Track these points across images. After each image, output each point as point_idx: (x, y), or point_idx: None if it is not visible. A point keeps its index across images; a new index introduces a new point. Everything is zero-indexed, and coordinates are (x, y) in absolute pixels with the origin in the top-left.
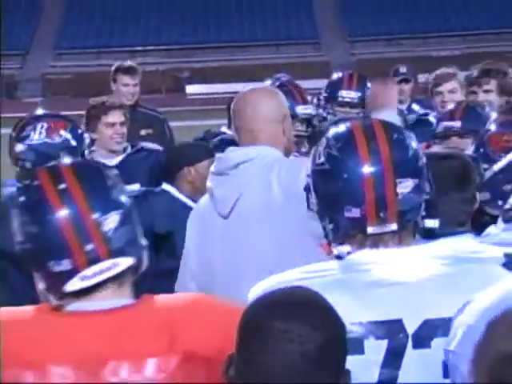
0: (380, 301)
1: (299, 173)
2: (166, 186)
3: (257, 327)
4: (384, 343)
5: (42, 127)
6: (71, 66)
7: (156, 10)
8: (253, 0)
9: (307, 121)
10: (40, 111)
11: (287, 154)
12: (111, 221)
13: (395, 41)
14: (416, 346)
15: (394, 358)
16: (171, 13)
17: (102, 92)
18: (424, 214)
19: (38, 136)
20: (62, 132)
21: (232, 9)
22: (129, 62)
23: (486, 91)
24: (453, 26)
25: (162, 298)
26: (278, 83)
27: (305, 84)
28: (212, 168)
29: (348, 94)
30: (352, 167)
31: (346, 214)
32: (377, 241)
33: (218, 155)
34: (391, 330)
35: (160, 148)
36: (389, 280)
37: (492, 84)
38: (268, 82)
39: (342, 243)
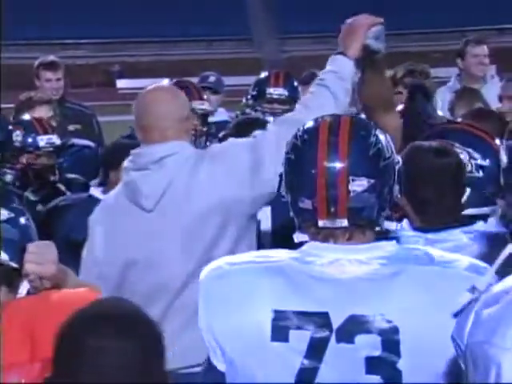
0: (311, 293)
1: (222, 155)
2: (93, 191)
3: (73, 344)
4: (308, 334)
5: None
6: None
7: (87, 2)
8: None
9: (203, 117)
10: None
11: None
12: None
13: (326, 38)
14: (339, 340)
15: (317, 350)
16: (102, 6)
17: (32, 85)
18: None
19: None
20: None
21: (165, 3)
22: (51, 57)
23: None
24: (387, 25)
25: (22, 302)
26: (174, 81)
27: (236, 80)
28: (126, 164)
29: (275, 91)
30: (309, 159)
31: (300, 205)
32: (328, 235)
33: (133, 151)
34: (317, 322)
35: (91, 143)
36: (324, 274)
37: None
38: (166, 81)
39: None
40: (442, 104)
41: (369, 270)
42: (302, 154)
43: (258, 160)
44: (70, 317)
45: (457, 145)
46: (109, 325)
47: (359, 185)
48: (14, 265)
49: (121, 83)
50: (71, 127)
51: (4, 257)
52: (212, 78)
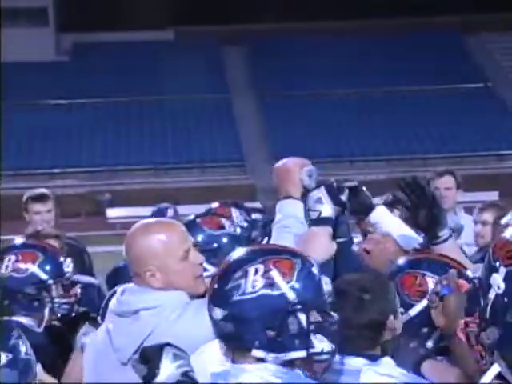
0: None
1: (198, 324)
2: None
3: None
4: None
5: (9, 260)
6: None
7: (76, 132)
8: (177, 122)
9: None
10: (19, 240)
11: (193, 293)
12: None
13: (321, 164)
14: None
15: None
16: (92, 135)
17: (18, 216)
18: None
19: (4, 270)
20: (29, 265)
21: (155, 130)
22: (39, 190)
23: None
24: (378, 150)
25: None
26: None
27: None
28: (111, 305)
29: None
30: None
31: None
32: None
33: (117, 296)
34: None
35: (95, 281)
36: None
37: (396, 214)
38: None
39: None
40: None
41: None
42: None
43: None
44: None
45: (429, 274)
46: None
47: None
48: None
49: (111, 212)
50: None
51: None
52: (170, 212)
